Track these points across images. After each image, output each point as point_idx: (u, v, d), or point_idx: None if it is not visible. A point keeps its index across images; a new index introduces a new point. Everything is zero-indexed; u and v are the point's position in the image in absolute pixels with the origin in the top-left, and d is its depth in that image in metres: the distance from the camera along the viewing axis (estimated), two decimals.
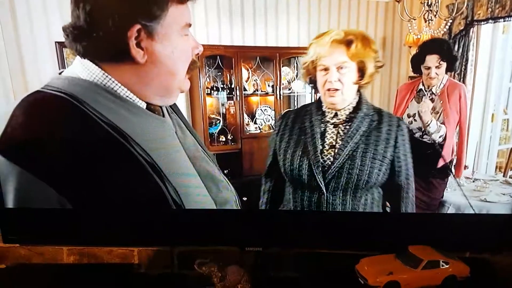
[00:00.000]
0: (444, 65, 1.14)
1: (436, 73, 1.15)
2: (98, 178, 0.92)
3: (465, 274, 1.03)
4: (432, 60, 1.14)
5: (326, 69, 1.06)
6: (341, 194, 1.08)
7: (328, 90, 1.08)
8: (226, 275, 1.02)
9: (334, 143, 1.09)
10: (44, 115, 0.89)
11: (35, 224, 1.08)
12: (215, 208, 1.04)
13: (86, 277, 1.17)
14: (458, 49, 1.16)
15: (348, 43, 1.04)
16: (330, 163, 1.07)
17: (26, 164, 0.85)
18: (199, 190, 1.00)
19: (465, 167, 1.23)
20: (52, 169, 0.89)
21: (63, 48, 1.08)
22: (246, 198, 1.14)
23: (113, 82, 0.90)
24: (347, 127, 1.08)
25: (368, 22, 1.12)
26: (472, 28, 1.15)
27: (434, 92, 1.17)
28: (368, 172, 1.06)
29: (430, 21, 1.15)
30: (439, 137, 1.18)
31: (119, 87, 0.91)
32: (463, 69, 1.17)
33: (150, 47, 0.88)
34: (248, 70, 1.23)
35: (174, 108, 1.02)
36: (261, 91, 1.25)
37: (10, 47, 1.07)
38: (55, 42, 1.08)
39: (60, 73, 0.94)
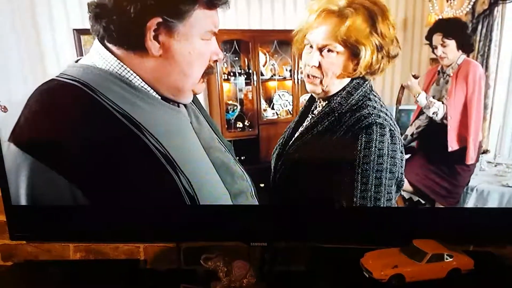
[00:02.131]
0: (450, 43, 1.11)
1: (444, 52, 1.11)
2: (111, 168, 0.93)
3: (470, 267, 1.04)
4: (436, 38, 1.11)
5: (311, 47, 0.92)
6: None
7: (307, 76, 0.94)
8: (232, 269, 1.04)
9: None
10: (57, 104, 0.91)
11: (43, 221, 1.10)
12: (229, 199, 1.03)
13: (92, 274, 1.20)
14: (481, 29, 1.13)
15: (342, 18, 0.86)
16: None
17: (39, 154, 0.87)
18: (213, 181, 1.00)
19: (486, 151, 1.20)
20: (64, 159, 0.91)
21: (81, 36, 1.09)
22: (263, 185, 1.14)
23: (128, 71, 0.90)
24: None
25: (389, 2, 1.09)
26: (496, 7, 1.10)
27: (448, 73, 1.14)
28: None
29: (452, 0, 1.11)
30: (433, 113, 1.14)
31: (134, 77, 0.91)
32: (486, 50, 1.13)
33: (167, 43, 0.88)
34: (265, 54, 1.22)
35: None
36: (279, 76, 1.23)
37: (28, 34, 1.08)
38: (73, 29, 1.08)
39: (76, 61, 0.94)
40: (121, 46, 0.89)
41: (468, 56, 1.13)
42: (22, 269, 1.26)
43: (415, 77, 1.12)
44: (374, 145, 0.91)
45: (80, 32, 1.07)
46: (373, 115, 0.93)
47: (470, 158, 1.16)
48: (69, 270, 1.22)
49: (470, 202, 1.18)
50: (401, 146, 0.98)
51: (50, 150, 0.90)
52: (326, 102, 1.00)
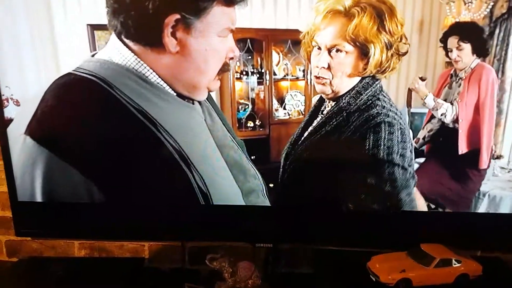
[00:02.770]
0: (466, 47, 1.10)
1: (458, 55, 1.10)
2: (125, 163, 0.93)
3: (478, 272, 1.03)
4: (452, 41, 1.09)
5: (319, 48, 0.91)
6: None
7: (316, 77, 0.93)
8: (237, 270, 1.04)
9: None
10: (74, 98, 0.90)
11: (48, 218, 1.10)
12: (241, 197, 1.03)
13: (97, 271, 1.19)
14: (499, 33, 1.11)
15: (349, 17, 0.85)
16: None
17: (55, 148, 0.86)
18: (226, 179, 1.00)
19: (500, 156, 1.19)
20: (80, 153, 0.90)
21: (95, 31, 1.08)
22: (272, 185, 1.14)
23: (145, 67, 0.90)
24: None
25: (405, 4, 1.07)
26: None
27: (461, 76, 1.13)
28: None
29: (470, 3, 1.09)
30: (441, 115, 1.12)
31: (151, 73, 0.90)
32: (503, 54, 1.12)
33: (184, 40, 0.88)
34: (278, 54, 1.21)
35: None
36: (292, 76, 1.22)
37: (43, 29, 1.07)
38: (87, 24, 1.07)
39: (92, 55, 0.94)
40: (138, 42, 0.89)
41: (483, 60, 1.12)
42: (26, 265, 1.26)
43: (422, 79, 1.11)
44: (383, 143, 0.91)
45: (94, 27, 1.07)
46: (382, 115, 0.93)
47: (484, 162, 1.14)
48: (73, 267, 1.21)
49: (482, 208, 1.17)
50: (412, 145, 0.98)
51: (66, 144, 0.90)
52: (335, 102, 1.00)
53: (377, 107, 0.94)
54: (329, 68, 0.92)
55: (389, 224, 1.11)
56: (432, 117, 1.19)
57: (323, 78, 0.93)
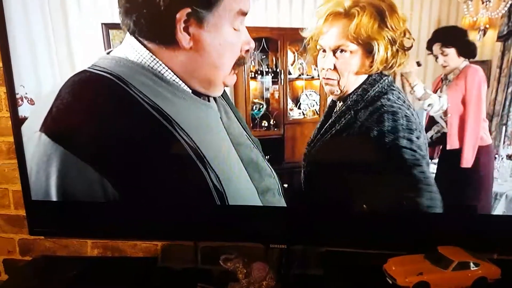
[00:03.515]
0: (450, 51, 1.09)
1: (445, 61, 1.10)
2: (140, 161, 0.92)
3: (496, 276, 1.00)
4: (436, 48, 1.09)
5: (324, 51, 0.93)
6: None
7: (324, 79, 0.94)
8: (251, 271, 1.03)
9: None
10: (89, 95, 0.90)
11: (61, 216, 1.10)
12: (257, 196, 1.03)
13: (109, 271, 1.19)
14: None
15: (350, 17, 0.87)
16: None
17: (70, 145, 0.86)
18: (241, 177, 0.99)
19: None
20: (95, 151, 0.90)
21: (109, 30, 1.08)
22: (286, 185, 1.13)
23: (160, 65, 0.90)
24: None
25: (423, 3, 1.06)
26: None
27: (450, 79, 1.13)
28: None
29: (487, 2, 1.08)
30: (428, 105, 1.10)
31: (166, 70, 0.90)
32: None
33: (198, 34, 0.87)
34: (294, 53, 1.20)
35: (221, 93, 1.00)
36: (307, 75, 1.22)
37: (57, 28, 1.07)
38: (102, 23, 1.07)
39: (108, 53, 0.94)
40: (152, 40, 0.89)
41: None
42: (39, 264, 1.25)
43: (418, 64, 1.10)
44: (387, 132, 0.93)
45: (108, 26, 1.07)
46: (386, 106, 0.94)
47: (465, 161, 1.13)
48: (86, 266, 1.21)
49: (499, 209, 1.16)
50: (420, 132, 0.96)
51: (81, 141, 0.90)
52: (344, 101, 1.01)
53: (381, 100, 0.95)
54: (335, 69, 0.94)
55: (403, 225, 1.10)
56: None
57: (331, 79, 0.95)
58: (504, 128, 1.14)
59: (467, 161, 1.13)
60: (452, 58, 1.11)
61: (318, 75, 1.21)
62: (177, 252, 1.32)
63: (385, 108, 0.93)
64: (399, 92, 0.99)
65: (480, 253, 1.05)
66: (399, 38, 0.91)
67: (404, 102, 0.97)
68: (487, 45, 1.13)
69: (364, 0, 0.88)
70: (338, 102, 1.06)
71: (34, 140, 0.87)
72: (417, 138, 0.96)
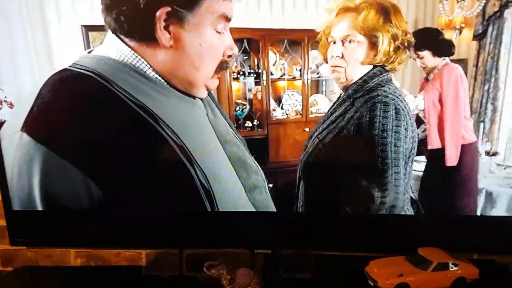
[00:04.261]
0: (425, 54, 1.12)
1: (422, 63, 1.13)
2: (125, 160, 0.90)
3: (475, 276, 1.02)
4: (411, 53, 1.12)
5: (334, 42, 1.01)
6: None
7: (332, 66, 1.03)
8: (236, 277, 1.02)
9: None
10: (70, 94, 0.88)
11: (44, 226, 1.07)
12: (244, 193, 1.02)
13: (94, 280, 1.17)
14: (492, 31, 1.13)
15: (359, 12, 0.96)
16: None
17: (52, 144, 0.84)
18: (229, 175, 0.98)
19: (496, 153, 1.20)
20: (79, 150, 0.87)
21: (89, 32, 1.07)
22: (272, 185, 1.13)
23: (142, 63, 0.89)
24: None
25: (399, 3, 1.09)
26: (506, 10, 1.11)
27: (429, 79, 1.15)
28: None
29: (462, 1, 1.11)
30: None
31: (148, 68, 0.89)
32: (496, 52, 1.14)
33: (178, 33, 0.86)
34: (275, 54, 1.21)
35: None
36: (288, 76, 1.23)
37: (37, 30, 1.06)
38: (81, 25, 1.06)
39: (89, 52, 0.93)
40: (133, 38, 0.88)
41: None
42: (22, 274, 1.22)
43: None
44: (378, 121, 0.98)
45: (88, 28, 1.06)
46: (380, 96, 1.00)
47: (449, 160, 1.15)
48: (70, 276, 1.19)
49: (480, 204, 1.18)
50: (407, 124, 1.02)
51: (64, 141, 0.87)
52: (345, 91, 1.06)
53: (377, 90, 1.01)
54: (343, 57, 1.02)
55: (387, 228, 1.11)
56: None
57: (338, 66, 1.02)
58: (482, 125, 1.17)
59: (451, 159, 1.15)
60: (428, 59, 1.13)
61: (301, 75, 1.23)
62: (162, 260, 1.29)
63: (379, 97, 0.99)
64: (395, 88, 1.05)
65: (461, 254, 1.06)
66: (401, 36, 0.99)
67: (398, 96, 1.03)
68: (464, 44, 1.16)
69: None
70: (341, 92, 1.10)
71: (15, 140, 0.85)
72: (406, 130, 1.01)
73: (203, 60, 0.90)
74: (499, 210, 1.16)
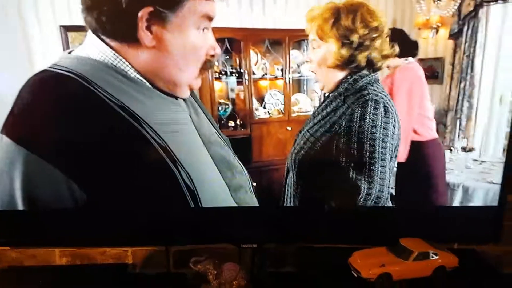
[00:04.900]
0: None
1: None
2: (108, 161, 0.90)
3: (454, 264, 1.05)
4: None
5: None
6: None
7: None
8: (222, 272, 1.03)
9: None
10: (51, 95, 0.87)
11: (27, 226, 1.06)
12: (229, 193, 1.02)
13: (80, 279, 1.16)
14: (467, 30, 1.16)
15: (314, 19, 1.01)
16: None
17: (33, 146, 0.83)
18: (213, 175, 0.98)
19: (472, 149, 1.23)
20: (59, 152, 0.87)
21: (68, 32, 1.06)
22: (255, 184, 1.14)
23: (124, 63, 0.88)
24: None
25: (378, 3, 1.10)
26: (481, 9, 1.14)
27: None
28: None
29: (438, 1, 1.14)
30: None
31: (130, 68, 0.88)
32: (472, 51, 1.17)
33: (160, 34, 0.86)
34: (257, 53, 1.22)
35: None
36: (270, 75, 1.24)
37: (15, 31, 1.04)
38: (60, 26, 1.05)
39: (69, 52, 0.92)
40: (114, 38, 0.87)
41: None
42: (6, 275, 1.20)
43: None
44: (368, 117, 1.01)
45: (67, 28, 1.05)
46: (371, 94, 1.03)
47: (401, 156, 1.17)
48: (55, 276, 1.17)
49: (457, 199, 1.21)
50: (394, 121, 1.06)
51: (45, 143, 0.86)
52: (336, 89, 1.08)
53: (368, 90, 1.04)
54: (312, 61, 1.07)
55: (371, 220, 1.13)
56: None
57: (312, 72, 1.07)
58: (458, 122, 1.21)
59: (400, 156, 1.16)
60: (391, 59, 1.12)
61: (282, 74, 1.24)
62: (149, 257, 1.30)
63: (370, 95, 1.02)
64: (382, 89, 1.08)
65: (441, 244, 1.09)
66: (364, 39, 1.00)
67: (386, 95, 1.06)
68: (440, 43, 1.19)
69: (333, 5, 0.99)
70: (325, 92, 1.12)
71: None
72: (393, 127, 1.05)
73: (187, 60, 0.90)
74: (475, 204, 1.20)
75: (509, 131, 1.15)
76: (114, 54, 0.87)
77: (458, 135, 1.21)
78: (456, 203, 1.21)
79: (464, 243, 1.25)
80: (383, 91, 1.06)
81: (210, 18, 0.90)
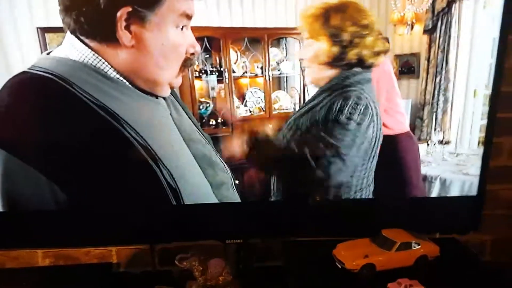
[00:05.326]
0: None
1: None
2: (89, 162, 0.90)
3: (436, 253, 1.09)
4: None
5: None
6: None
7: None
8: (208, 268, 1.03)
9: None
10: (30, 97, 0.87)
11: (8, 227, 1.06)
12: (211, 191, 1.03)
13: (63, 279, 1.16)
14: (441, 26, 1.19)
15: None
16: None
17: (13, 148, 0.84)
18: (195, 173, 0.99)
19: (448, 142, 1.27)
20: (39, 153, 0.87)
21: (45, 34, 1.05)
22: (238, 181, 1.15)
23: (103, 63, 0.88)
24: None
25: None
26: (454, 5, 1.17)
27: None
28: None
29: None
30: None
31: (110, 68, 0.89)
32: (446, 46, 1.20)
33: (139, 33, 0.86)
34: (236, 52, 1.22)
35: None
36: (250, 73, 1.25)
37: None
38: (37, 27, 1.04)
39: (48, 53, 0.92)
40: (93, 38, 0.87)
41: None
42: None
43: None
44: (346, 109, 1.04)
45: (44, 30, 1.04)
46: (357, 91, 1.06)
47: None
48: (39, 277, 1.16)
49: (435, 191, 1.25)
50: (372, 122, 1.08)
51: (24, 144, 0.87)
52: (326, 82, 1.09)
53: (356, 87, 1.06)
54: (305, 58, 1.11)
55: (354, 212, 1.16)
56: None
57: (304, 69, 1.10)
58: (434, 115, 1.24)
59: None
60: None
61: (262, 72, 1.25)
62: (134, 256, 1.30)
63: (355, 92, 1.05)
64: (371, 90, 1.10)
65: (422, 233, 1.12)
66: (347, 33, 1.02)
67: (372, 97, 1.09)
68: (416, 39, 1.21)
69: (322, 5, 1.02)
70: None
71: None
72: (371, 127, 1.08)
73: (166, 59, 0.91)
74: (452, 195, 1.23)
75: (485, 124, 1.19)
76: (94, 55, 0.88)
77: (435, 129, 1.24)
78: (433, 194, 1.24)
79: (446, 233, 1.28)
80: (370, 93, 1.07)
81: (189, 17, 0.91)
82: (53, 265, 1.29)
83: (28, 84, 0.87)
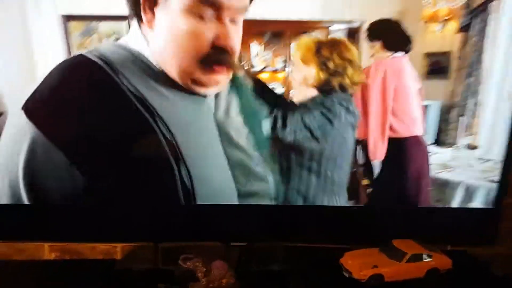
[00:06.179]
0: (376, 45, 1.12)
1: (372, 54, 1.14)
2: (111, 150, 0.91)
3: (448, 266, 1.04)
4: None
5: None
6: None
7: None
8: (211, 270, 1.02)
9: None
10: (72, 79, 0.89)
11: (17, 219, 1.08)
12: (235, 197, 1.02)
13: (68, 274, 1.16)
14: (476, 24, 1.11)
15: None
16: None
17: (43, 126, 0.85)
18: (221, 177, 0.98)
19: (475, 147, 1.20)
20: (67, 135, 0.88)
21: (67, 22, 1.06)
22: None
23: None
24: None
25: None
26: (491, 3, 1.09)
27: None
28: None
29: None
30: None
31: (151, 57, 0.90)
32: (480, 46, 1.12)
33: (153, 14, 0.86)
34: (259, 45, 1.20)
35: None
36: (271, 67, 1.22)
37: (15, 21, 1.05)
38: (61, 15, 1.05)
39: (116, 39, 0.94)
40: (139, 25, 0.88)
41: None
42: None
43: None
44: (336, 105, 1.09)
45: (67, 18, 1.05)
46: (342, 104, 1.11)
47: (372, 154, 1.16)
48: (44, 271, 1.17)
49: (457, 198, 1.19)
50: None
51: (54, 124, 0.88)
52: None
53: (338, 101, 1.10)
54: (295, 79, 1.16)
55: (361, 220, 1.14)
56: None
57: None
58: (462, 118, 1.17)
59: (373, 153, 1.15)
60: (378, 51, 1.12)
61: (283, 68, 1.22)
62: (137, 253, 1.28)
63: (339, 105, 1.10)
64: (353, 107, 1.14)
65: (433, 245, 1.07)
66: (334, 64, 1.08)
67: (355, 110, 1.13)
68: (447, 36, 1.14)
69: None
70: None
71: (16, 117, 0.86)
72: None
73: (182, 48, 0.87)
74: (476, 204, 1.18)
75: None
76: (148, 45, 0.88)
77: (462, 133, 1.18)
78: (456, 201, 1.19)
79: (458, 245, 1.22)
80: (352, 107, 1.12)
81: (216, 6, 0.85)
82: (59, 259, 1.30)
83: (74, 66, 0.89)
